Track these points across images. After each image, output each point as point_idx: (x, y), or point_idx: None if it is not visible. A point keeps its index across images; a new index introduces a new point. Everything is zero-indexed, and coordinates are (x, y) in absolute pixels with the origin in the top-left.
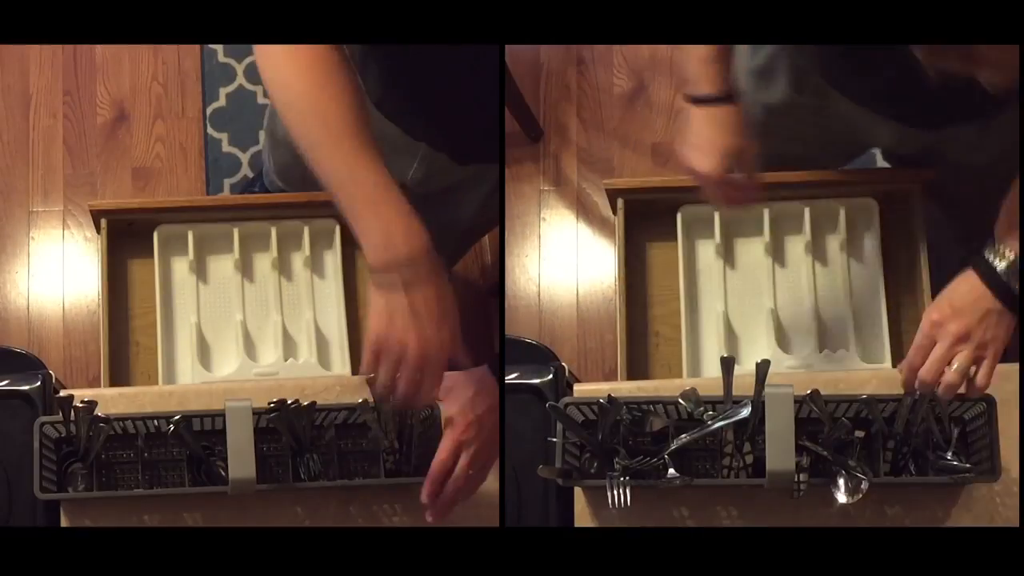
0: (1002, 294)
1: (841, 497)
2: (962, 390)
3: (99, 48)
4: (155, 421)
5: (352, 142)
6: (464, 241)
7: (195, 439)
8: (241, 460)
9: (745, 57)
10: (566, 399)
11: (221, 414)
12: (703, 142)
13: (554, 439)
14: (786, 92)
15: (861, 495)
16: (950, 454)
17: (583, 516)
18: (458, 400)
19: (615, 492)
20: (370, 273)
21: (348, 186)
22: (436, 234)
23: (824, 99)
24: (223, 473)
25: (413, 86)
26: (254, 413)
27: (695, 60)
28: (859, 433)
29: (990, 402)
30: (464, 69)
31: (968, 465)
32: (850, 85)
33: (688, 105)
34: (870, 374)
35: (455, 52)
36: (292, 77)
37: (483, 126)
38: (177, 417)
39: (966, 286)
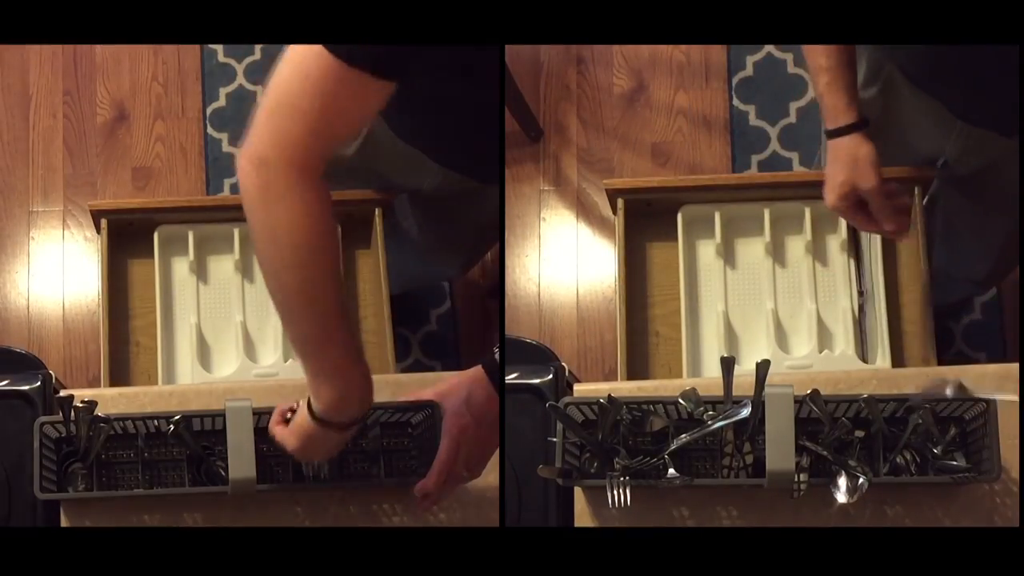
0: None
1: (841, 497)
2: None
3: (99, 48)
4: (155, 421)
5: (338, 319)
6: (482, 241)
7: (195, 439)
8: (241, 460)
9: None
10: (566, 399)
11: (221, 414)
12: (827, 176)
13: (554, 439)
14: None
15: (861, 495)
16: (943, 450)
17: (583, 516)
18: (455, 402)
19: (615, 492)
20: (312, 412)
21: (325, 347)
22: (455, 234)
23: (892, 96)
24: (223, 473)
25: (442, 121)
26: (254, 413)
27: (817, 94)
28: (859, 433)
29: (990, 402)
30: (489, 104)
31: (968, 465)
32: (928, 76)
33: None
34: (870, 374)
35: (483, 91)
36: (286, 242)
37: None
38: (177, 417)
39: None
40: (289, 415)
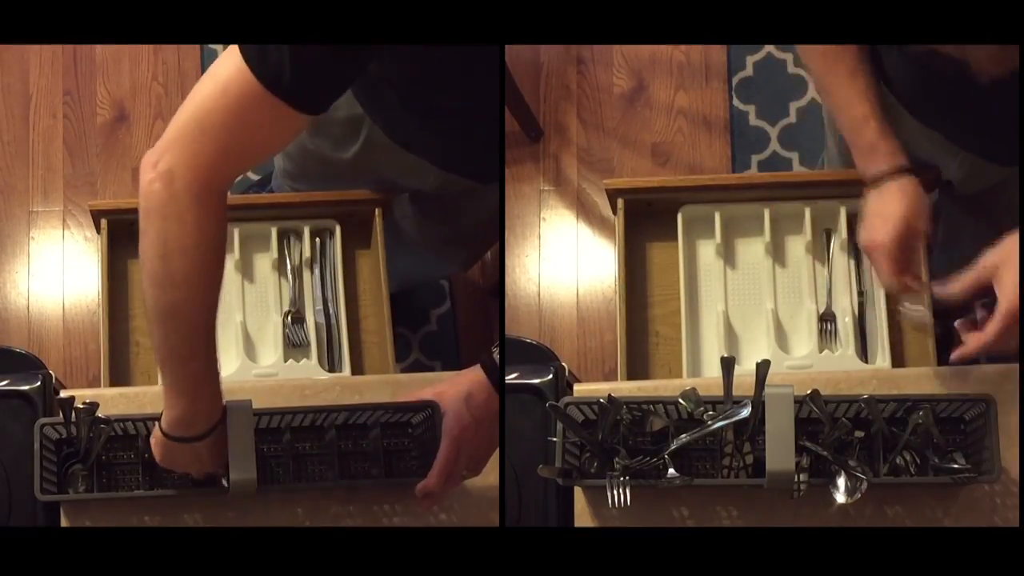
0: None
1: (840, 497)
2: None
3: (99, 48)
4: (156, 422)
5: (202, 341)
6: (482, 238)
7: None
8: (241, 461)
9: None
10: (566, 399)
11: None
12: (884, 211)
13: (554, 439)
14: None
15: (860, 495)
16: (943, 451)
17: (583, 516)
18: (454, 402)
19: (615, 492)
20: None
21: (184, 364)
22: (455, 232)
23: (897, 123)
24: None
25: (441, 127)
26: (255, 413)
27: (864, 145)
28: (859, 433)
29: (989, 402)
30: (488, 103)
31: (968, 465)
32: (924, 108)
33: (867, 191)
34: (870, 374)
35: (481, 93)
36: (174, 261)
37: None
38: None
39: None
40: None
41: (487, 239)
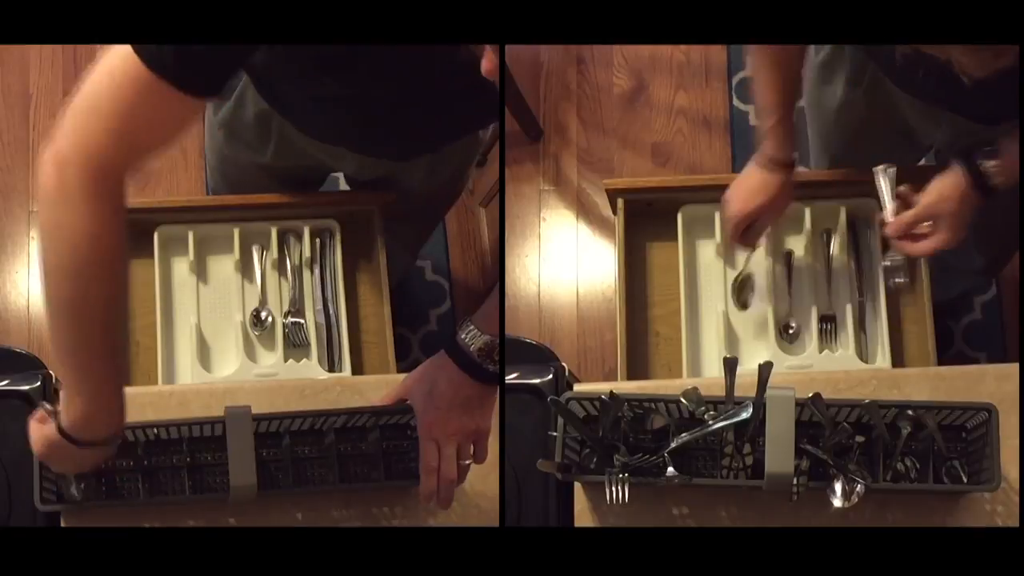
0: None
1: (837, 502)
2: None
3: (99, 48)
4: (155, 429)
5: (103, 337)
6: (430, 206)
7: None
8: (242, 467)
9: (810, 54)
10: (568, 394)
11: (221, 421)
12: (752, 188)
13: (554, 433)
14: (844, 90)
15: (857, 500)
16: (944, 458)
17: (583, 516)
18: (418, 401)
19: (614, 488)
20: (59, 424)
21: (84, 362)
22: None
23: (878, 93)
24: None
25: (348, 109)
26: (254, 419)
27: (765, 126)
28: (859, 438)
29: (991, 410)
30: (393, 75)
31: (967, 476)
32: (903, 75)
33: (755, 157)
34: (870, 374)
35: (385, 61)
36: (66, 246)
37: (418, 124)
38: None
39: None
40: (50, 417)
41: (430, 219)
